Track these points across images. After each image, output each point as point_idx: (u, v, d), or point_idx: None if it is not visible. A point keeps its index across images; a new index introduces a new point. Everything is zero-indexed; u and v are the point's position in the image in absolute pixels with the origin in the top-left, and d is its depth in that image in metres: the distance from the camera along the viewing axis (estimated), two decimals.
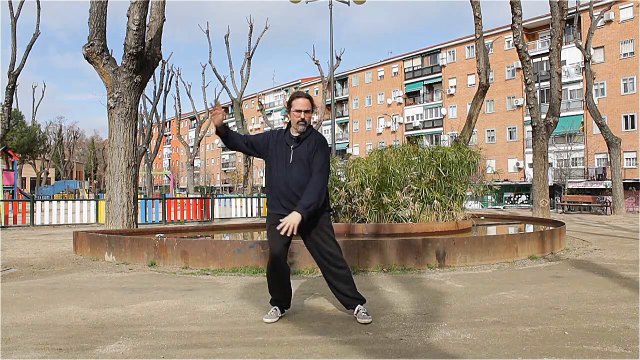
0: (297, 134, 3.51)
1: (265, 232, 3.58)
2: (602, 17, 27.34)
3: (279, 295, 3.65)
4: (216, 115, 3.54)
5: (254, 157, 35.34)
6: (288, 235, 3.27)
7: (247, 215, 16.78)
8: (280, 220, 3.30)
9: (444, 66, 48.79)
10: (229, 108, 72.21)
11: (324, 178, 3.47)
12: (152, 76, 14.78)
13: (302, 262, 5.57)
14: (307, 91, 63.46)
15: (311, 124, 3.60)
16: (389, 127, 53.00)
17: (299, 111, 3.48)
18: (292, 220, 3.25)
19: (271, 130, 3.73)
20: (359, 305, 3.57)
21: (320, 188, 3.40)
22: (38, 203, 14.13)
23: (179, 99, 43.18)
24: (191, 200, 15.84)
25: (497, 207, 35.53)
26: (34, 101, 42.98)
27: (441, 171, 8.09)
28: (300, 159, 3.46)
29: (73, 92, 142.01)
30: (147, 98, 37.72)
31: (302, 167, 3.45)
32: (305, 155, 3.46)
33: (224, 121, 3.59)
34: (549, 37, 17.66)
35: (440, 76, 49.08)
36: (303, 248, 4.47)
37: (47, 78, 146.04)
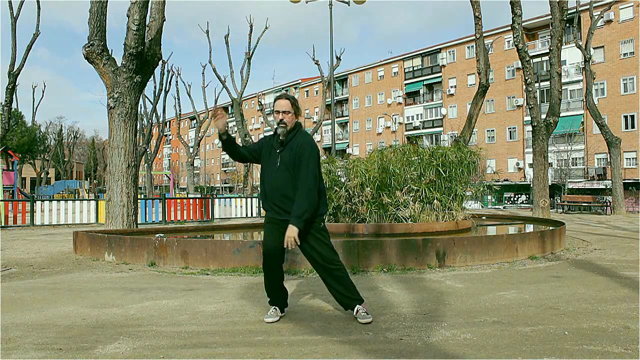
0: (282, 138, 3.48)
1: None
2: (602, 17, 27.34)
3: (274, 296, 3.65)
4: (218, 119, 3.51)
5: None
6: (292, 247, 3.29)
7: (247, 215, 16.78)
8: (274, 221, 3.46)
9: (444, 66, 48.79)
10: (229, 108, 72.26)
11: (311, 182, 3.37)
12: (152, 76, 14.78)
13: (302, 262, 5.55)
14: (307, 91, 63.47)
15: (294, 126, 3.51)
16: (389, 127, 53.01)
17: (278, 112, 3.48)
18: (290, 234, 3.28)
19: (270, 135, 3.71)
20: (358, 306, 3.57)
21: (308, 194, 3.33)
22: (38, 203, 14.12)
23: (179, 99, 43.25)
24: (191, 200, 15.83)
25: (497, 207, 35.55)
26: (34, 101, 42.90)
27: (441, 171, 8.09)
28: (285, 164, 3.43)
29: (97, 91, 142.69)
30: (147, 98, 37.73)
31: (286, 171, 3.43)
32: (291, 159, 3.42)
33: (226, 126, 3.57)
34: (549, 37, 17.65)
35: (440, 76, 49.07)
36: None
37: (73, 78, 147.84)
